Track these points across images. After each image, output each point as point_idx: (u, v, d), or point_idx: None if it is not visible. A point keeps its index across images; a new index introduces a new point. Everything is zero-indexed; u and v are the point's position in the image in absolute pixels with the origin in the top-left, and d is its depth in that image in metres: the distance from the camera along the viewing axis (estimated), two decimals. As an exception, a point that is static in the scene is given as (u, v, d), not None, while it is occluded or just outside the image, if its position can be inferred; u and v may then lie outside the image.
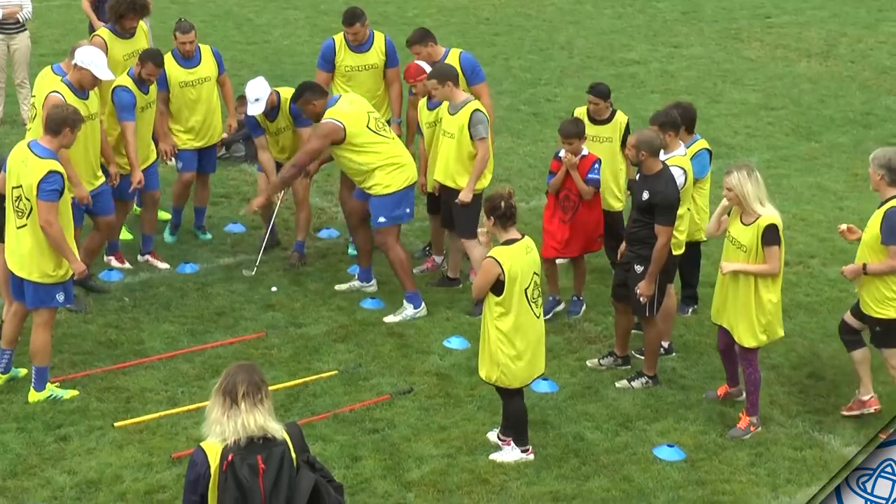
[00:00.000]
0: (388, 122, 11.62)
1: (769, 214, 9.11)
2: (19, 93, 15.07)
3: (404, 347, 10.43)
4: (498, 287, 8.56)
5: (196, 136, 11.93)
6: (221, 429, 5.84)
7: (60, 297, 9.40)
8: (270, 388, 9.34)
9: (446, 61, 11.42)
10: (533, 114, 16.24)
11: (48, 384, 9.46)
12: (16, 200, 9.22)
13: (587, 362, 10.27)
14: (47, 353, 9.44)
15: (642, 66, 18.67)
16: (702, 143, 10.53)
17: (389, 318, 10.83)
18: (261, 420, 5.89)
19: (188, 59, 11.79)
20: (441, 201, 11.27)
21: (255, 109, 11.36)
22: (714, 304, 9.53)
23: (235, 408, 5.86)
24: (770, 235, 9.07)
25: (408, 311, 10.88)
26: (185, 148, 11.90)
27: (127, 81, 11.13)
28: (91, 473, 8.55)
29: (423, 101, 11.43)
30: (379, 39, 11.96)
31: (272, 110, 11.50)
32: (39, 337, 9.38)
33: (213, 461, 5.83)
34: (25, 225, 9.21)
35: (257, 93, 11.34)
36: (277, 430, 5.92)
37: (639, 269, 9.67)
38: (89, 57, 10.41)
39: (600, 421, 9.47)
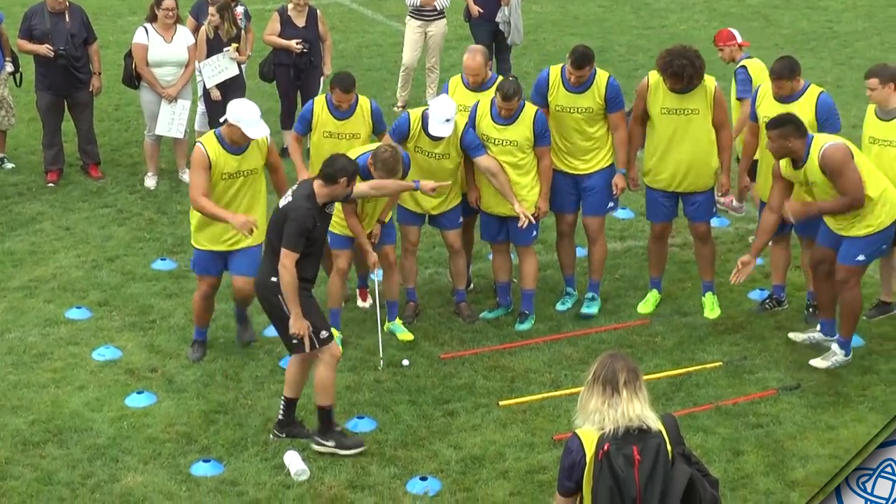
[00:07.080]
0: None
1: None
2: (428, 76, 15.68)
3: (793, 342, 10.11)
4: None
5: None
6: (600, 417, 5.83)
7: None
8: (653, 375, 9.48)
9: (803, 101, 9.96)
10: None
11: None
12: None
13: None
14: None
15: None
16: None
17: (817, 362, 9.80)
18: (639, 409, 5.85)
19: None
20: None
21: (446, 130, 9.83)
22: None
23: (617, 396, 5.84)
24: None
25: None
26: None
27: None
28: (475, 449, 8.78)
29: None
30: (601, 80, 10.16)
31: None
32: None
33: (589, 449, 5.84)
34: None
35: (450, 112, 9.81)
36: (654, 420, 5.87)
37: None
38: (237, 113, 9.17)
39: None
